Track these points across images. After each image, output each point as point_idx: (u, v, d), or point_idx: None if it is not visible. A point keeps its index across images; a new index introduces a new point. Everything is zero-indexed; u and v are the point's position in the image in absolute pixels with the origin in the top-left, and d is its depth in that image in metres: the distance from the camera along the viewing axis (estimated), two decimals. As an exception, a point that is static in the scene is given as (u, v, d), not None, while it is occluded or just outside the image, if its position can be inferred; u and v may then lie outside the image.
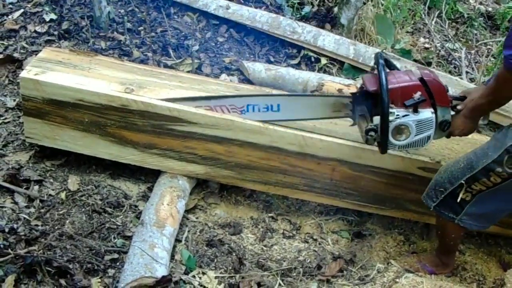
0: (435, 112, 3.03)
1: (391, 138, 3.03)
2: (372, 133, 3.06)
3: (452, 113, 3.07)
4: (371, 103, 3.13)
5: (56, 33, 4.40)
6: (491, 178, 2.88)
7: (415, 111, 3.00)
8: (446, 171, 3.06)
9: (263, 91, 3.76)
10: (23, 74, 3.31)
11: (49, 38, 4.37)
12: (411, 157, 3.38)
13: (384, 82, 2.95)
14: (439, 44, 5.57)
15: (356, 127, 3.27)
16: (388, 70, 3.12)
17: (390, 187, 3.46)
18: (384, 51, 3.47)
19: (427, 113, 3.01)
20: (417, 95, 2.98)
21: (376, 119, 3.04)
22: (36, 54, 3.93)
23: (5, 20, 4.42)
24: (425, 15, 5.84)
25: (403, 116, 2.99)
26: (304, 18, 5.14)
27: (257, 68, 4.43)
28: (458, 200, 2.97)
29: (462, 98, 3.10)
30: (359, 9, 5.03)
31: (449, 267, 3.32)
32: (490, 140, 2.99)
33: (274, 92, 3.80)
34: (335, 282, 3.21)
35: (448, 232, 3.17)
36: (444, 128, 3.06)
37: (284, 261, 3.28)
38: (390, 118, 2.98)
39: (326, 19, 5.15)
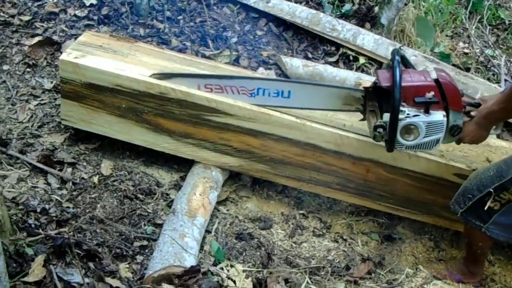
0: (447, 116, 2.97)
1: (399, 137, 2.98)
2: (381, 130, 3.01)
3: (466, 119, 3.02)
4: (383, 99, 3.09)
5: (95, 18, 4.41)
6: None
7: (426, 112, 2.94)
8: (475, 178, 3.02)
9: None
10: (63, 56, 3.32)
11: (88, 22, 4.38)
12: (447, 163, 3.33)
13: (397, 79, 2.89)
14: (478, 50, 5.49)
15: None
16: (403, 68, 3.07)
17: (423, 192, 3.43)
18: (402, 47, 3.42)
19: (438, 116, 2.95)
20: (430, 95, 2.93)
21: (386, 116, 2.98)
22: (75, 38, 3.96)
23: (45, 2, 4.43)
24: (466, 20, 5.77)
25: (414, 115, 2.94)
26: (344, 16, 5.09)
27: (295, 63, 4.40)
28: (486, 208, 2.93)
29: (477, 105, 3.04)
30: (400, 10, 4.98)
31: (477, 277, 3.27)
32: None
33: None
34: (363, 284, 3.18)
35: (475, 240, 3.14)
36: (454, 133, 3.01)
37: (313, 259, 3.26)
38: (400, 116, 2.93)
39: (366, 18, 5.10)
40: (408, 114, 2.93)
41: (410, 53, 4.63)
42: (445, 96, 2.96)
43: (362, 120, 3.28)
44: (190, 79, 3.32)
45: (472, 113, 3.01)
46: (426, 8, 5.39)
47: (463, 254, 3.37)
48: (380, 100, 3.13)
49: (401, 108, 2.92)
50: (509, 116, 3.01)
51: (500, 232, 3.01)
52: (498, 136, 3.89)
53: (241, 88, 3.30)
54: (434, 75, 3.03)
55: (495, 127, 3.04)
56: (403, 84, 2.91)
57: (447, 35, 5.51)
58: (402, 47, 3.59)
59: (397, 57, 2.97)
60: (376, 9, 5.09)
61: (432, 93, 2.93)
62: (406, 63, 3.18)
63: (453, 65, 5.00)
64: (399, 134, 2.97)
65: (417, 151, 3.17)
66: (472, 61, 5.22)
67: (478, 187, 2.96)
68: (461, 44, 5.58)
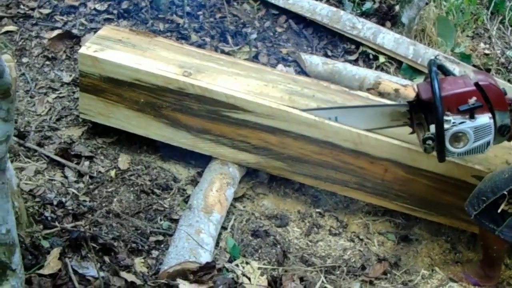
0: (493, 117, 2.94)
1: (449, 146, 2.96)
2: (430, 142, 2.99)
3: None
4: (427, 111, 3.07)
5: (115, 12, 4.42)
6: None
7: (472, 117, 2.91)
8: (490, 180, 2.99)
9: (320, 85, 3.70)
10: (82, 50, 3.33)
11: (108, 16, 4.39)
12: (466, 165, 3.30)
13: (437, 90, 2.88)
14: (499, 51, 5.45)
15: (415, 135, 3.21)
16: (443, 77, 3.05)
17: (441, 193, 3.39)
18: (438, 56, 3.40)
19: (484, 119, 2.92)
20: (472, 100, 2.90)
21: (433, 128, 2.97)
22: (95, 32, 3.96)
23: (66, -4, 4.45)
24: (487, 20, 5.72)
25: (460, 123, 2.91)
26: (365, 14, 5.07)
27: (314, 61, 4.39)
28: (499, 211, 2.90)
29: None
30: (421, 9, 4.95)
31: (494, 280, 3.24)
32: None
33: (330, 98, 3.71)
34: (378, 284, 3.16)
35: (490, 244, 3.10)
36: (503, 133, 2.97)
37: (329, 258, 3.24)
38: (447, 126, 2.91)
39: (386, 16, 5.08)
40: (454, 122, 2.91)
41: (431, 53, 4.59)
42: (488, 98, 2.94)
43: (412, 133, 3.26)
44: None
45: None
46: (447, 8, 5.35)
47: (480, 257, 3.35)
48: (425, 113, 3.12)
49: (446, 118, 2.90)
50: None
51: None
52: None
53: None
54: (474, 79, 3.01)
55: None
56: (443, 94, 2.89)
57: (468, 36, 5.47)
58: (438, 56, 3.57)
59: (434, 68, 2.96)
60: (397, 8, 5.07)
61: (474, 98, 2.90)
62: (445, 71, 3.16)
63: (474, 66, 4.97)
64: (448, 143, 2.95)
65: (470, 156, 3.13)
66: (492, 62, 5.19)
67: (492, 189, 2.94)
68: (482, 44, 5.53)
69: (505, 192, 2.88)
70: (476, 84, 2.97)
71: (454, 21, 5.32)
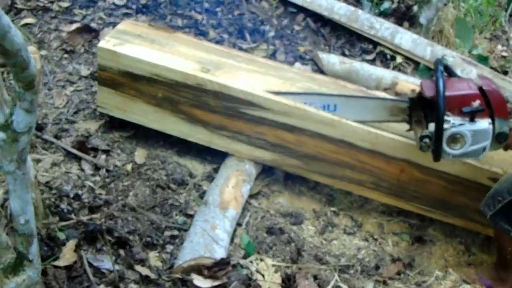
0: (493, 123, 2.95)
1: (445, 147, 2.97)
2: (427, 140, 3.00)
3: None
4: (427, 109, 3.08)
5: (134, 6, 4.42)
6: None
7: (472, 120, 2.92)
8: (506, 181, 3.00)
9: (337, 84, 3.70)
10: (102, 44, 3.33)
11: (126, 11, 4.39)
12: (482, 166, 3.30)
13: (441, 89, 2.89)
14: (517, 54, 5.44)
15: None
16: (448, 78, 3.06)
17: (457, 195, 3.40)
18: (445, 56, 3.40)
19: (484, 124, 2.94)
20: (476, 103, 2.91)
21: (432, 126, 2.98)
22: (113, 26, 3.98)
23: (85, -11, 4.46)
24: (505, 22, 5.71)
25: (459, 124, 2.92)
26: (383, 14, 5.06)
27: (332, 60, 4.38)
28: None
29: None
30: (439, 10, 4.94)
31: (508, 283, 3.21)
32: None
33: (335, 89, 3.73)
34: (392, 284, 3.16)
35: (505, 246, 3.10)
36: (501, 140, 2.98)
37: (343, 257, 3.24)
38: (446, 126, 2.92)
39: (405, 17, 5.06)
40: (453, 123, 2.92)
41: (448, 54, 4.58)
42: (490, 104, 2.95)
43: (409, 130, 3.27)
44: None
45: None
46: (465, 9, 5.35)
47: (494, 259, 3.34)
48: (425, 110, 3.13)
49: (447, 118, 2.92)
50: None
51: None
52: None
53: None
54: (478, 83, 3.02)
55: None
56: (447, 93, 2.90)
57: (485, 37, 5.47)
58: (445, 56, 3.57)
59: (440, 67, 2.96)
60: (415, 8, 5.05)
61: (478, 101, 2.92)
62: (449, 72, 3.17)
63: (491, 68, 4.95)
64: (445, 144, 2.96)
65: (465, 159, 3.16)
66: (510, 65, 5.18)
67: (509, 190, 2.95)
68: (499, 47, 5.52)
69: None
70: (480, 89, 2.98)
71: (472, 22, 5.31)
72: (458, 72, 3.82)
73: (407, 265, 3.30)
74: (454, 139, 2.95)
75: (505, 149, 3.07)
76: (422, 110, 3.16)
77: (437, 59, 3.07)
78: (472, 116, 2.92)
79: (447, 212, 3.46)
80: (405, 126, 3.31)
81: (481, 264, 3.44)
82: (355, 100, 3.41)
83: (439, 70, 2.95)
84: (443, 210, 3.46)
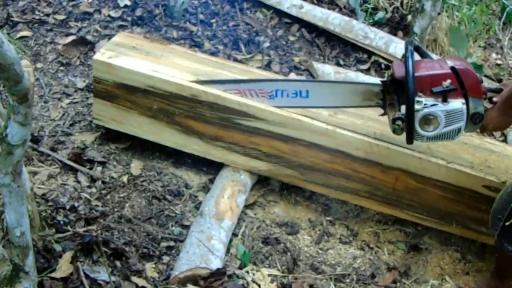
0: (467, 104, 2.90)
1: (418, 129, 2.93)
2: (399, 122, 2.96)
3: (490, 106, 2.96)
4: (400, 92, 3.02)
5: (129, 19, 4.44)
6: None
7: (444, 100, 2.87)
8: (499, 198, 2.95)
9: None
10: (97, 56, 3.35)
11: (122, 23, 4.41)
12: (477, 175, 3.29)
13: (410, 69, 2.84)
14: (511, 62, 5.45)
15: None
16: (420, 59, 3.03)
17: (452, 203, 3.38)
18: (415, 37, 3.38)
19: (457, 104, 2.88)
20: (447, 83, 2.86)
21: (404, 108, 2.93)
22: (109, 38, 3.99)
23: (80, 2, 4.47)
24: (499, 31, 5.72)
25: (432, 105, 2.87)
26: (377, 24, 5.09)
27: (327, 70, 4.40)
28: (508, 224, 2.84)
29: (499, 91, 2.98)
30: (433, 19, 4.95)
31: None
32: None
33: None
34: (388, 293, 3.18)
35: (505, 258, 3.07)
36: (476, 121, 2.92)
37: (339, 266, 3.24)
38: (418, 107, 2.87)
39: (399, 26, 5.10)
40: (425, 104, 2.88)
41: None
42: (463, 83, 2.89)
43: (383, 115, 3.23)
44: (209, 85, 3.33)
45: (495, 99, 2.95)
46: (459, 18, 5.36)
47: (491, 268, 3.35)
48: (397, 93, 3.08)
49: (418, 99, 2.87)
50: None
51: None
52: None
53: (259, 91, 3.29)
54: (450, 63, 2.97)
55: None
56: (417, 74, 2.86)
57: (480, 46, 5.48)
58: (415, 37, 3.54)
59: (410, 47, 2.91)
60: (409, 17, 5.08)
61: (449, 81, 2.87)
62: (422, 54, 3.13)
63: (485, 76, 4.97)
64: (418, 126, 2.92)
65: (440, 142, 3.08)
66: (504, 73, 5.19)
67: (503, 205, 2.88)
68: (493, 55, 5.53)
69: None
70: (453, 69, 2.92)
71: (466, 31, 5.32)
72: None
73: (402, 273, 3.30)
74: (427, 120, 2.90)
75: (482, 131, 3.04)
76: (395, 93, 3.11)
77: (407, 40, 3.04)
78: (445, 96, 2.87)
79: (443, 220, 3.45)
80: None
81: (478, 272, 3.43)
82: (327, 85, 3.38)
83: (409, 50, 2.89)
84: (438, 218, 3.45)
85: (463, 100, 2.90)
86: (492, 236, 2.99)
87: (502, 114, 2.91)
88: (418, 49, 3.10)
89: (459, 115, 2.90)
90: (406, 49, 2.93)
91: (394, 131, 3.02)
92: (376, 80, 3.66)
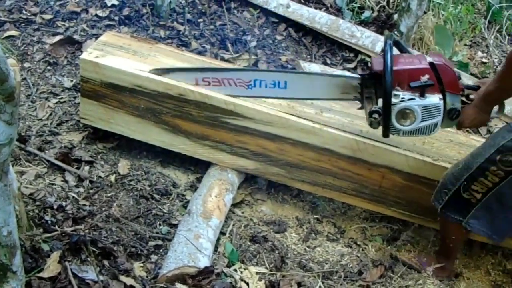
0: (444, 99, 2.93)
1: (395, 122, 2.96)
2: (376, 116, 2.99)
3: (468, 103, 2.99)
4: (378, 85, 3.04)
5: (116, 18, 4.45)
6: (488, 177, 2.86)
7: (422, 95, 2.91)
8: (448, 173, 3.04)
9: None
10: (84, 56, 3.35)
11: (109, 22, 4.42)
12: (461, 172, 3.32)
13: (388, 62, 2.86)
14: (497, 60, 5.48)
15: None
16: (400, 54, 3.06)
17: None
18: (395, 32, 3.39)
19: (434, 99, 2.92)
20: (425, 78, 2.89)
21: (381, 101, 2.96)
22: (96, 38, 3.99)
23: (67, 1, 4.49)
24: (485, 29, 5.75)
25: (409, 99, 2.91)
26: (364, 23, 5.11)
27: (313, 69, 4.41)
28: (459, 196, 2.96)
29: (476, 88, 3.01)
30: (419, 18, 4.97)
31: (447, 271, 3.27)
32: (486, 140, 2.96)
33: None
34: (375, 289, 3.19)
35: (450, 234, 3.17)
36: (452, 117, 2.95)
37: (326, 263, 3.26)
38: (395, 100, 2.91)
39: (385, 25, 5.12)
40: (402, 98, 2.91)
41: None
42: (441, 79, 2.92)
43: (360, 108, 3.25)
44: (188, 73, 3.32)
45: (472, 96, 2.98)
46: (445, 17, 5.38)
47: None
48: (375, 86, 3.10)
49: (396, 92, 2.90)
50: (506, 95, 2.89)
51: (481, 227, 3.01)
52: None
53: (238, 80, 3.28)
54: (429, 59, 2.99)
55: (497, 110, 3.00)
56: (396, 68, 2.89)
57: (465, 44, 5.50)
58: (395, 32, 3.55)
59: (389, 41, 2.94)
60: (396, 16, 5.10)
61: (427, 76, 2.90)
62: (402, 49, 3.16)
63: (471, 74, 5.00)
64: (394, 119, 2.95)
65: (416, 136, 3.11)
66: (490, 71, 5.22)
67: (451, 181, 2.98)
68: (479, 53, 5.56)
69: (463, 181, 2.92)
70: (431, 64, 2.95)
71: (452, 30, 5.35)
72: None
73: (388, 268, 3.31)
74: (404, 114, 2.94)
75: (458, 127, 3.07)
76: (373, 86, 3.12)
77: (386, 34, 3.07)
78: (422, 91, 2.90)
79: (428, 217, 3.46)
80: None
81: (465, 267, 3.47)
82: (305, 77, 3.39)
83: (388, 44, 2.92)
84: (425, 215, 3.46)
85: (440, 96, 2.93)
86: (435, 208, 3.10)
87: (479, 111, 2.93)
88: (398, 44, 3.13)
89: (436, 110, 2.94)
90: (385, 43, 2.95)
91: (370, 124, 3.05)
92: (355, 73, 3.66)
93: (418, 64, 2.94)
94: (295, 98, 3.36)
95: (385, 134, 3.04)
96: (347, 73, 3.99)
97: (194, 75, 3.30)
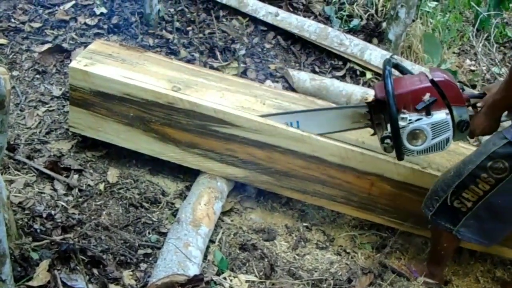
0: (451, 113, 2.96)
1: (407, 144, 2.99)
2: (388, 141, 3.02)
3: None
4: (385, 111, 3.07)
5: (105, 26, 4.45)
6: (479, 185, 2.86)
7: (428, 113, 2.93)
8: (439, 180, 3.05)
9: (307, 100, 3.74)
10: (73, 64, 3.35)
11: (98, 31, 4.42)
12: (451, 179, 3.34)
13: (389, 88, 2.90)
14: (485, 68, 5.51)
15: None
16: (400, 75, 3.10)
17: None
18: (393, 56, 3.41)
19: (441, 115, 2.94)
20: (427, 96, 2.92)
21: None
22: (85, 46, 4.00)
23: (56, 10, 4.48)
24: (473, 37, 5.79)
25: (416, 120, 2.94)
26: (352, 31, 5.13)
27: (302, 77, 4.43)
28: (452, 207, 2.97)
29: (482, 95, 3.03)
30: (407, 26, 5.00)
31: (437, 278, 3.27)
32: (477, 147, 2.98)
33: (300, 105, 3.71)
34: (364, 297, 3.19)
35: (440, 241, 3.16)
36: (462, 129, 2.98)
37: (316, 271, 3.26)
38: (403, 123, 2.94)
39: (374, 33, 5.14)
40: (410, 120, 2.94)
41: (417, 69, 4.64)
42: (444, 94, 2.95)
43: (373, 134, 3.29)
44: None
45: (479, 104, 3.00)
46: (433, 25, 5.42)
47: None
48: (383, 112, 3.13)
49: (402, 116, 2.93)
50: None
51: (472, 235, 3.02)
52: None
53: None
54: (430, 77, 3.02)
55: (507, 114, 2.99)
56: (398, 91, 2.92)
57: (454, 52, 5.54)
58: (393, 56, 3.57)
59: (388, 68, 2.97)
60: (384, 24, 5.12)
61: (428, 94, 2.93)
62: (402, 70, 3.20)
63: (459, 82, 5.01)
64: (406, 141, 2.98)
65: (431, 154, 3.12)
66: (478, 79, 5.24)
67: (442, 188, 2.99)
68: (468, 61, 5.60)
69: (454, 189, 2.94)
70: (432, 81, 2.98)
71: (440, 38, 5.38)
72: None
73: (377, 276, 3.31)
74: (415, 135, 2.96)
75: (471, 136, 3.10)
76: (381, 112, 3.16)
77: (385, 60, 3.08)
78: (427, 109, 2.92)
79: (418, 224, 3.47)
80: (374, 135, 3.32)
81: (454, 275, 3.48)
82: (315, 113, 3.41)
83: (387, 70, 2.95)
84: (414, 222, 3.47)
85: (447, 111, 2.96)
86: (425, 215, 3.11)
87: (488, 118, 2.95)
88: (398, 66, 3.18)
89: (444, 126, 2.97)
90: (384, 69, 2.99)
91: (385, 149, 3.09)
92: (362, 103, 3.70)
93: (419, 84, 2.98)
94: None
95: (400, 157, 3.08)
96: (355, 104, 4.02)
97: None
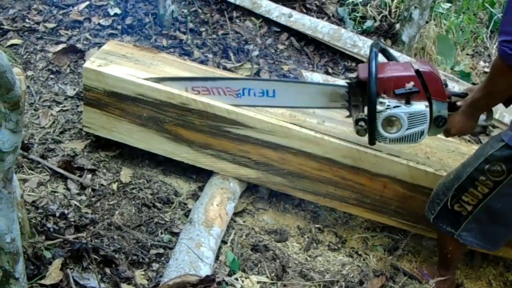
0: (430, 106, 2.93)
1: (381, 130, 2.96)
2: (362, 123, 2.99)
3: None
4: (364, 93, 3.03)
5: (119, 27, 4.47)
6: (478, 188, 2.84)
7: (407, 102, 2.90)
8: (440, 184, 3.04)
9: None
10: (87, 64, 3.36)
11: (112, 31, 4.43)
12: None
13: (373, 70, 2.87)
14: (498, 70, 5.48)
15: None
16: (385, 61, 3.07)
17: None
18: (381, 40, 3.37)
19: (420, 106, 2.91)
20: (410, 85, 2.89)
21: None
22: (99, 47, 4.01)
23: (70, 10, 4.50)
24: (487, 39, 5.77)
25: (394, 107, 2.90)
26: (366, 32, 5.12)
27: (315, 78, 4.42)
28: (450, 208, 2.96)
29: (464, 95, 3.00)
30: (421, 28, 4.99)
31: (448, 282, 3.26)
32: (476, 150, 2.94)
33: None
34: (376, 299, 3.19)
35: (446, 245, 3.15)
36: (439, 124, 2.95)
37: (327, 273, 3.26)
38: (380, 108, 2.91)
39: (387, 35, 5.13)
40: (388, 105, 2.90)
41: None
42: (427, 86, 2.92)
43: (348, 116, 3.24)
44: (178, 82, 3.33)
45: (459, 103, 2.96)
46: (447, 26, 5.40)
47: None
48: (362, 94, 3.09)
49: (381, 100, 2.90)
50: (493, 102, 2.88)
51: (473, 239, 3.01)
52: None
53: (226, 89, 3.29)
54: (415, 67, 2.99)
55: (485, 117, 3.00)
56: (381, 75, 2.89)
57: (467, 54, 5.52)
58: (381, 40, 3.54)
59: (374, 49, 2.95)
60: (398, 26, 5.11)
61: (412, 83, 2.89)
62: (388, 56, 3.17)
63: (473, 83, 5.00)
64: (381, 127, 2.95)
65: (403, 144, 3.11)
66: (492, 81, 5.21)
67: (443, 191, 2.98)
68: (481, 63, 5.58)
69: (454, 192, 2.92)
70: (417, 72, 2.94)
71: (454, 39, 5.36)
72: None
73: (389, 278, 3.31)
74: (390, 121, 2.93)
75: (446, 135, 3.06)
76: (360, 94, 3.12)
77: (372, 42, 3.07)
78: (408, 98, 2.89)
79: (430, 227, 3.45)
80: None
81: (466, 278, 3.47)
82: (293, 85, 3.39)
83: (373, 52, 2.92)
84: (426, 225, 3.46)
85: (426, 103, 2.93)
86: (427, 219, 3.10)
87: (466, 119, 2.93)
88: (385, 51, 3.15)
89: (421, 118, 2.93)
90: (371, 50, 2.96)
91: (357, 132, 3.05)
92: (342, 81, 3.67)
93: (404, 72, 2.94)
94: (284, 107, 3.37)
95: (371, 142, 3.04)
96: (335, 81, 3.99)
97: (184, 84, 3.32)
